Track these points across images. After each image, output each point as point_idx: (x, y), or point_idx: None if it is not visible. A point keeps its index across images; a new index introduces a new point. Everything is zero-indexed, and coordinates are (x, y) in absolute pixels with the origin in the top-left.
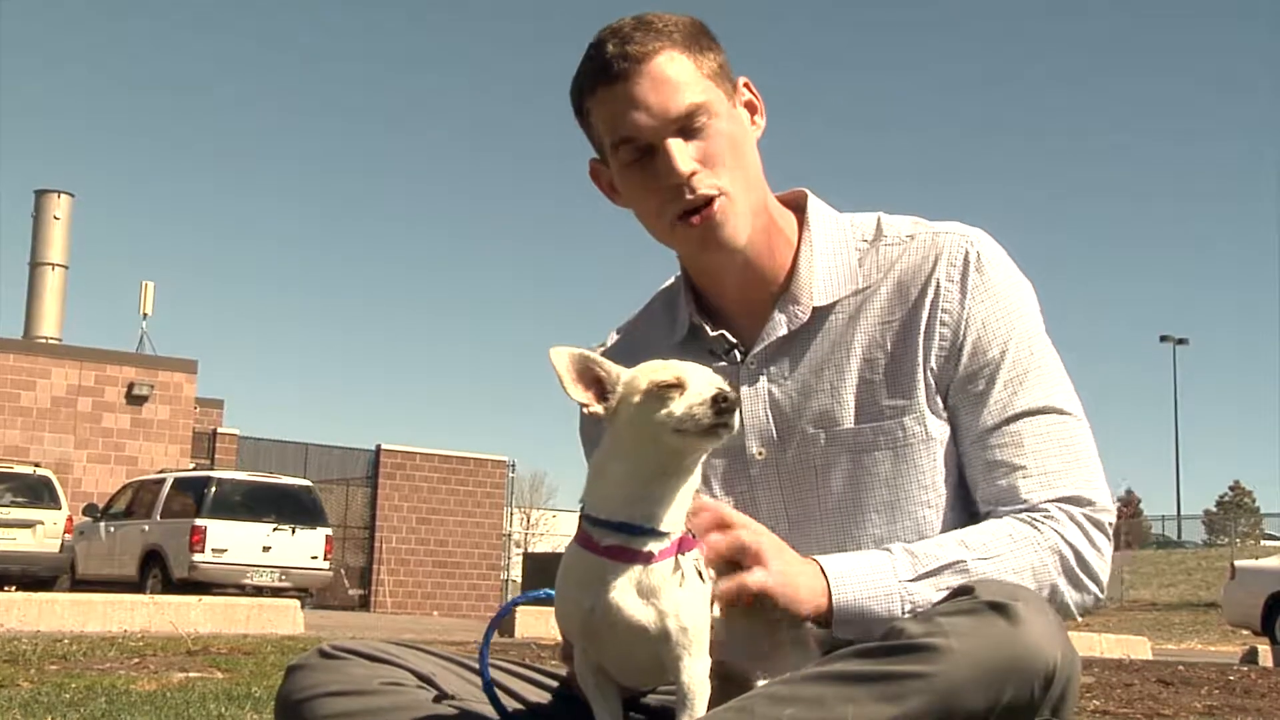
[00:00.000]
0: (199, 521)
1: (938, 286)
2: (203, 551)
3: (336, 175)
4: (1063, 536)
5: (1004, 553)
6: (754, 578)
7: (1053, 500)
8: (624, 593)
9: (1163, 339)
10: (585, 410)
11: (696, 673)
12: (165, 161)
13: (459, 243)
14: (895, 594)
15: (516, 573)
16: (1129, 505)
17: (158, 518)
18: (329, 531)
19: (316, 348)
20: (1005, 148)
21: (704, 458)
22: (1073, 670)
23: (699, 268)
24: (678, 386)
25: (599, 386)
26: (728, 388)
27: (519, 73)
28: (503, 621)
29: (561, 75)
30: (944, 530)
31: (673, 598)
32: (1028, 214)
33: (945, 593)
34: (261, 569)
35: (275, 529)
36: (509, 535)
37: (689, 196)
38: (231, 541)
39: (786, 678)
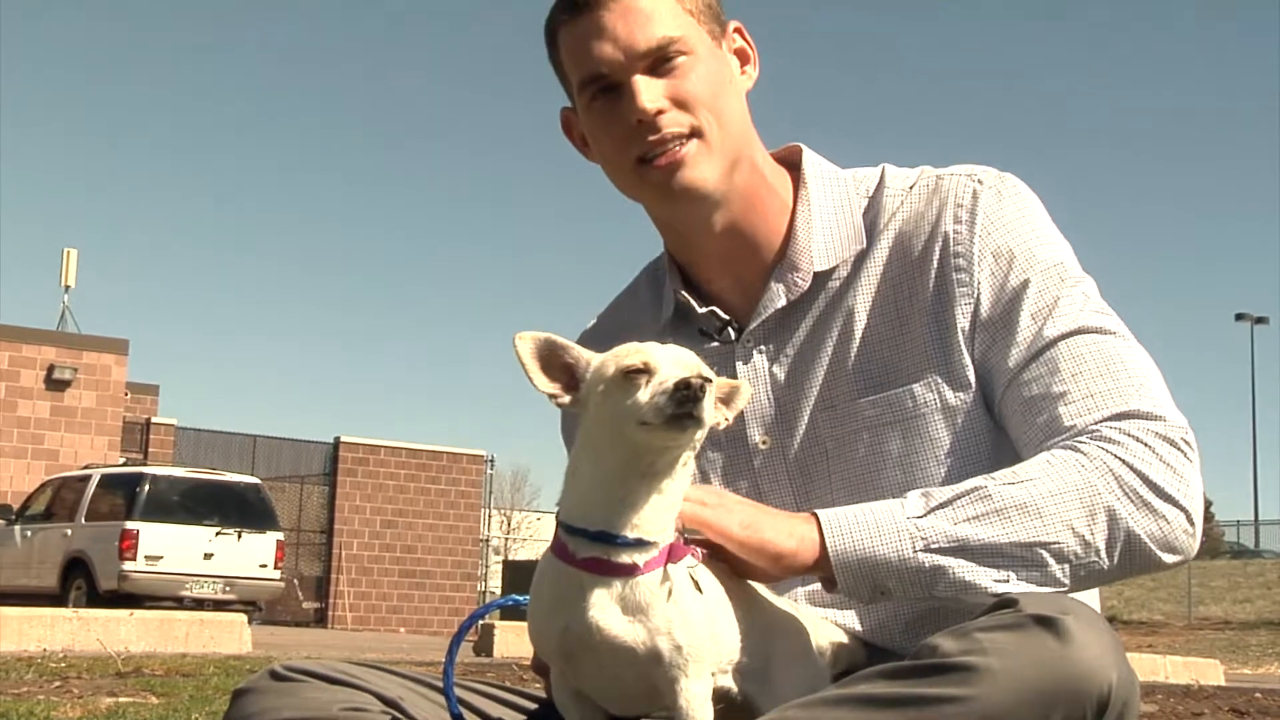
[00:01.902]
0: (130, 525)
1: (946, 236)
2: (134, 559)
3: (292, 128)
4: (1116, 454)
5: (1038, 476)
6: (713, 527)
7: (1101, 420)
8: (605, 610)
9: (1239, 318)
10: (553, 402)
11: (696, 696)
12: (90, 111)
13: (430, 210)
14: (903, 532)
15: (495, 583)
16: None
17: (82, 520)
18: (280, 536)
19: (267, 327)
20: (1067, 109)
21: (689, 454)
22: (1130, 695)
23: (675, 232)
24: (645, 372)
25: (569, 375)
26: (700, 373)
27: (465, 43)
28: (480, 638)
29: (507, 48)
30: None
31: (663, 613)
32: (1088, 180)
33: (968, 526)
34: (202, 579)
35: (218, 533)
36: (486, 540)
37: (652, 137)
38: (167, 548)
39: (804, 701)
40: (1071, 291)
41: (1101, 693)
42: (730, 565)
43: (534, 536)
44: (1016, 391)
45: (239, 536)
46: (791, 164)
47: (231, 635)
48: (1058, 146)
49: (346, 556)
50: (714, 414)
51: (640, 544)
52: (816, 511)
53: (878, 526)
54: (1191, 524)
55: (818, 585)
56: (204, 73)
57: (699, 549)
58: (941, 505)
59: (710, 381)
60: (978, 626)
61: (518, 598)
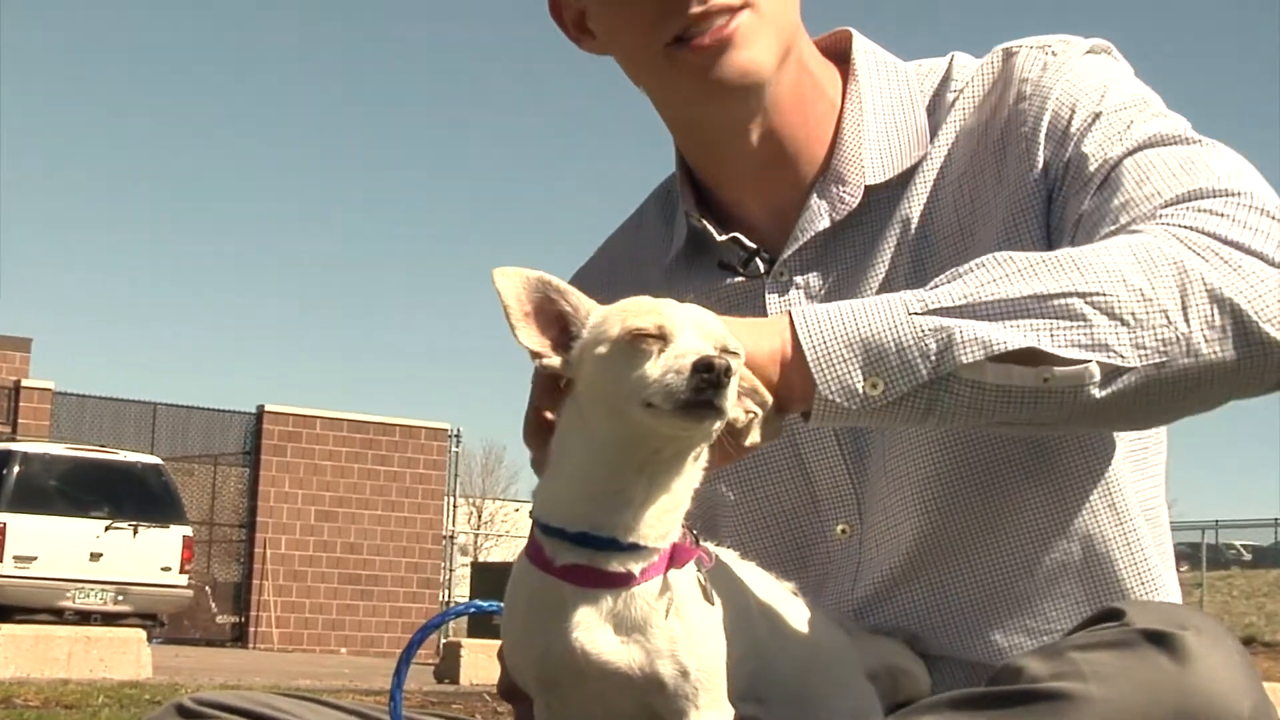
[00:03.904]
0: None
1: (1015, 113)
2: (0, 560)
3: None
4: (1179, 223)
5: (1085, 253)
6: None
7: (1162, 206)
8: (593, 629)
9: None
10: (538, 363)
11: None
12: None
13: (374, 127)
14: (894, 302)
15: (462, 590)
16: None
17: None
18: (188, 531)
19: (171, 268)
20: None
21: (703, 445)
22: None
23: (700, 139)
24: (659, 338)
25: (561, 328)
26: (726, 346)
27: None
28: (442, 660)
29: None
30: (1096, 480)
31: (665, 632)
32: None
33: (978, 286)
34: (89, 586)
35: (109, 527)
36: (451, 537)
37: (696, 8)
38: (43, 546)
39: None
40: (1150, 116)
41: None
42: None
43: (511, 532)
44: (1086, 231)
45: (135, 532)
46: (839, 55)
47: (126, 657)
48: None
49: (272, 557)
50: (734, 409)
51: (634, 549)
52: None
53: (863, 306)
54: None
55: (870, 591)
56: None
57: (709, 552)
58: (949, 279)
59: (739, 355)
60: (1074, 644)
61: (481, 604)
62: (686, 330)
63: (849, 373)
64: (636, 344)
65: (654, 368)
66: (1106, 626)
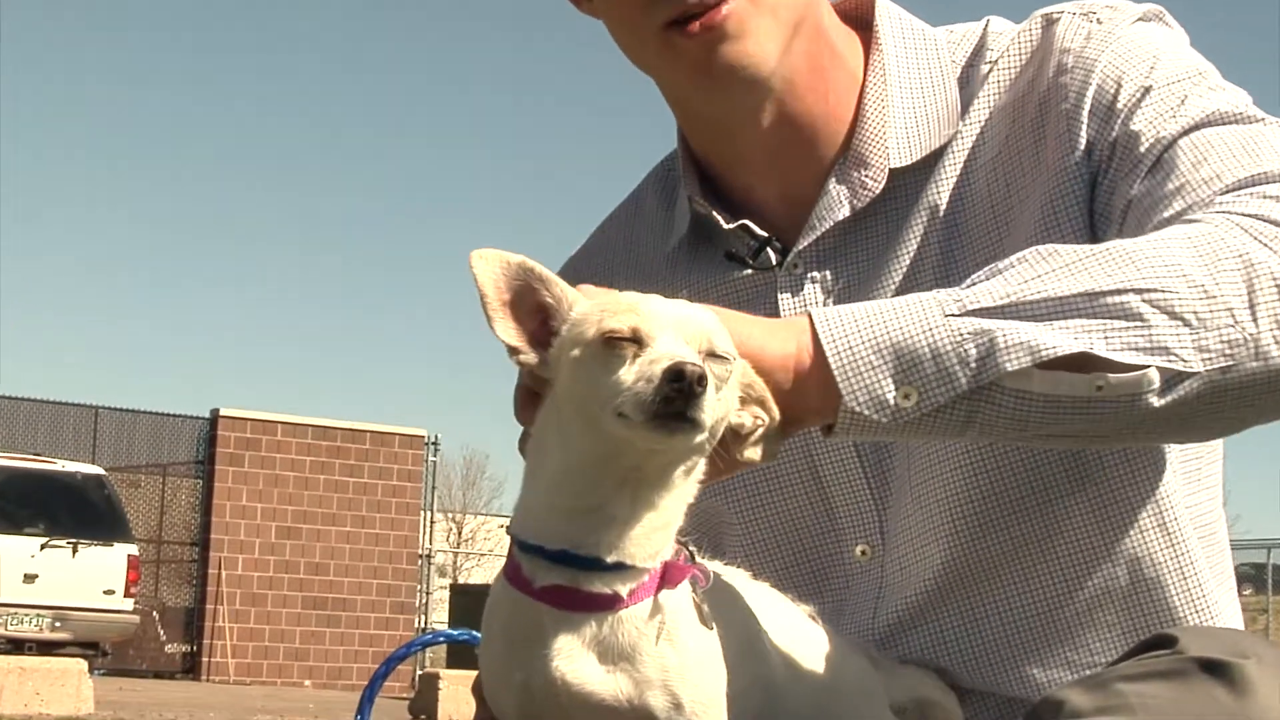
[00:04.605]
0: None
1: (1056, 87)
2: None
3: None
4: (1240, 211)
5: (1138, 245)
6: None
7: (1220, 191)
8: (575, 657)
9: None
10: (513, 358)
11: None
12: None
13: (340, 100)
14: (927, 302)
15: (441, 616)
16: None
17: None
18: (133, 550)
19: (113, 261)
20: None
21: (697, 460)
22: None
23: (704, 122)
24: (634, 341)
25: (543, 320)
26: (714, 353)
27: None
28: (418, 693)
29: None
30: (1145, 496)
31: (656, 659)
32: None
33: (1020, 283)
34: (22, 611)
35: (45, 545)
36: (427, 556)
37: None
38: None
39: None
40: (1206, 90)
41: None
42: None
43: (495, 551)
44: (1135, 219)
45: (74, 550)
46: (861, 20)
47: (65, 690)
48: None
49: (228, 579)
50: (738, 415)
51: (620, 568)
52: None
53: (892, 306)
54: None
55: (894, 618)
56: None
57: (706, 570)
58: (988, 275)
59: (729, 359)
60: (1121, 674)
61: (451, 633)
62: (665, 332)
63: (879, 382)
64: (611, 348)
65: (627, 374)
66: (1157, 655)
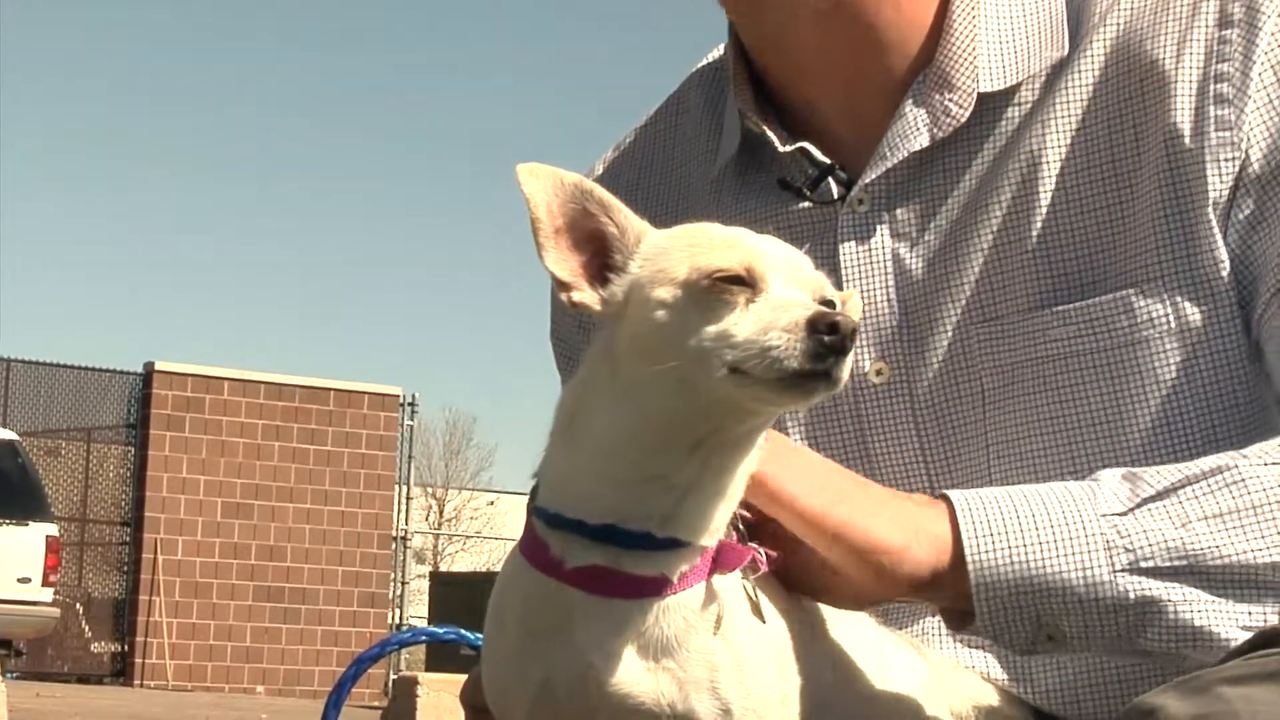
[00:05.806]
0: None
1: (1203, 45)
2: None
3: None
4: None
5: None
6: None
7: None
8: (611, 651)
9: None
10: (567, 297)
11: None
12: None
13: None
14: (1096, 537)
15: (420, 609)
16: None
17: None
18: (53, 530)
19: (28, 192)
20: None
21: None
22: None
23: (757, 19)
24: (746, 285)
25: (600, 251)
26: (848, 304)
27: None
28: (394, 701)
29: None
30: None
31: (705, 656)
32: None
33: (1204, 532)
34: None
35: None
36: (403, 538)
37: None
38: None
39: None
40: None
41: None
42: (781, 569)
43: (483, 532)
44: None
45: None
46: None
47: None
48: None
49: (166, 565)
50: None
51: (674, 546)
52: (948, 492)
53: (1051, 525)
54: None
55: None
56: None
57: (764, 552)
58: (1159, 495)
59: (855, 323)
60: (1224, 676)
61: (435, 629)
62: (779, 275)
63: (1016, 624)
64: (717, 293)
65: (744, 323)
66: (1265, 655)
